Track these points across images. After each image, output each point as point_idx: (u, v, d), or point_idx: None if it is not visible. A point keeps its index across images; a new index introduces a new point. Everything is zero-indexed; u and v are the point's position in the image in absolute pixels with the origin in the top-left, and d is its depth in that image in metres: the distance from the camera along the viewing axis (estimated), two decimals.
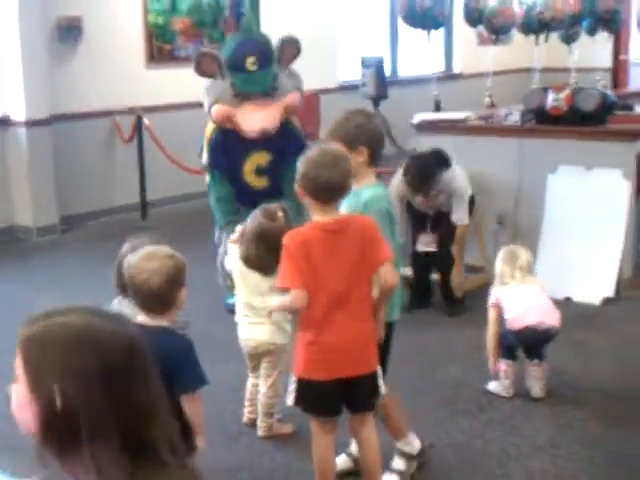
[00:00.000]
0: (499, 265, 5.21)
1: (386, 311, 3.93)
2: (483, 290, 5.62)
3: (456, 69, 14.26)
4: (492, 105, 9.12)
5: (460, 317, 6.42)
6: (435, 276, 6.72)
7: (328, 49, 11.95)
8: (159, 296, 3.34)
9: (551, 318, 5.07)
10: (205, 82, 6.45)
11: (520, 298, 5.10)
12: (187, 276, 3.42)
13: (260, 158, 6.43)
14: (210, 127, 6.53)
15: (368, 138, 4.00)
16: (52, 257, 8.54)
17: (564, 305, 6.25)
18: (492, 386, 5.15)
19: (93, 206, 9.68)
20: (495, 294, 5.17)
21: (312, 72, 10.63)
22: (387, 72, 11.58)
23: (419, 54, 12.58)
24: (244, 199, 6.33)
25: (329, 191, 3.63)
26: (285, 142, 6.43)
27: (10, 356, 1.74)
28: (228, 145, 6.42)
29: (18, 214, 9.14)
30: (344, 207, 3.87)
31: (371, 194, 3.96)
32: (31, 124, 9.02)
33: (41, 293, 6.78)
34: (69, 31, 9.42)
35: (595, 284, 6.61)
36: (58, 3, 9.28)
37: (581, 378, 5.41)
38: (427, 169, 6.31)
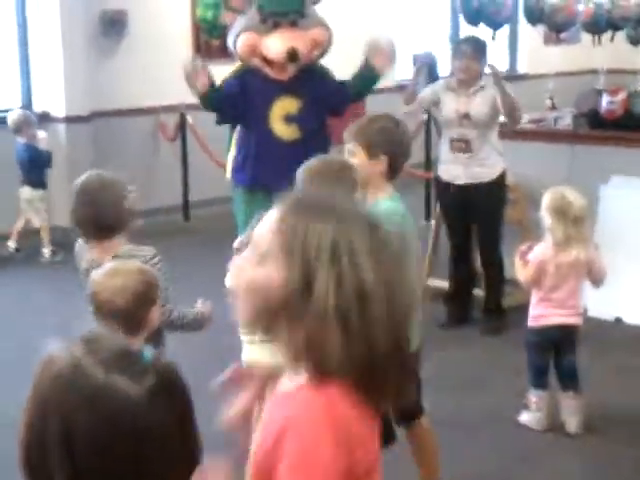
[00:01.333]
0: (547, 217, 4.43)
1: None
2: (525, 309, 5.11)
3: (521, 69, 13.69)
4: (553, 107, 8.64)
5: (500, 337, 5.94)
6: (477, 291, 6.29)
7: None
8: (125, 316, 2.97)
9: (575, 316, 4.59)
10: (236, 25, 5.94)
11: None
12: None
13: (289, 104, 5.79)
14: (233, 70, 5.96)
15: (391, 146, 3.62)
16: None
17: (613, 327, 5.78)
18: (524, 417, 4.69)
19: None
20: (540, 252, 4.51)
21: None
22: (444, 72, 11.09)
23: None
24: (272, 154, 5.72)
25: None
26: (316, 88, 5.84)
27: None
28: (250, 90, 5.81)
29: (56, 214, 8.86)
30: None
31: (383, 210, 3.50)
32: (70, 120, 8.79)
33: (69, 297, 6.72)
34: (113, 25, 9.17)
35: None
36: None
37: (628, 411, 4.91)
38: (481, 40, 6.12)
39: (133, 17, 9.25)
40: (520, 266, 4.58)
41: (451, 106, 5.98)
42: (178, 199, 9.52)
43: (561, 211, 4.40)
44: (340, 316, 1.62)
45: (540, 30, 11.13)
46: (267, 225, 1.67)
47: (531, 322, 4.64)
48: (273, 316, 1.67)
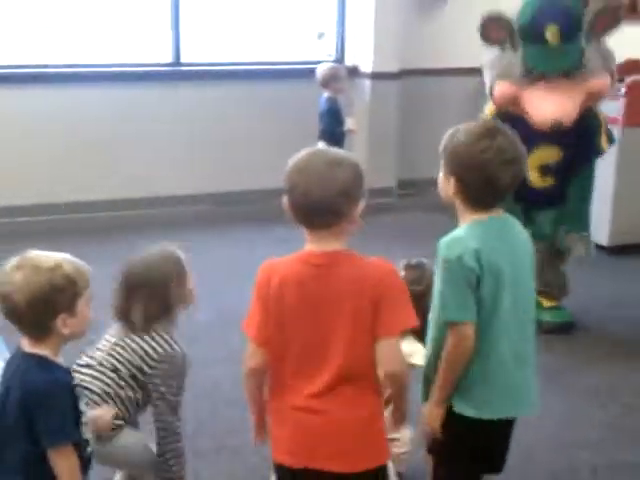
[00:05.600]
0: None
1: (403, 408, 2.75)
2: None
3: None
4: None
5: None
6: None
7: None
8: (24, 319, 2.55)
9: None
10: (487, 52, 5.40)
11: None
12: None
13: (548, 155, 5.28)
14: (489, 108, 5.49)
15: (459, 166, 2.87)
16: (381, 222, 7.90)
17: None
18: None
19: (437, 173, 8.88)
20: None
21: None
22: None
23: None
24: (522, 195, 5.29)
25: (311, 211, 2.54)
26: (581, 137, 5.29)
27: None
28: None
29: None
30: None
31: (448, 238, 2.83)
32: (377, 77, 8.49)
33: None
34: None
35: None
36: None
37: None
38: None
39: None
40: None
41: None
42: None
43: None
44: None
45: None
46: None
47: None
48: None
